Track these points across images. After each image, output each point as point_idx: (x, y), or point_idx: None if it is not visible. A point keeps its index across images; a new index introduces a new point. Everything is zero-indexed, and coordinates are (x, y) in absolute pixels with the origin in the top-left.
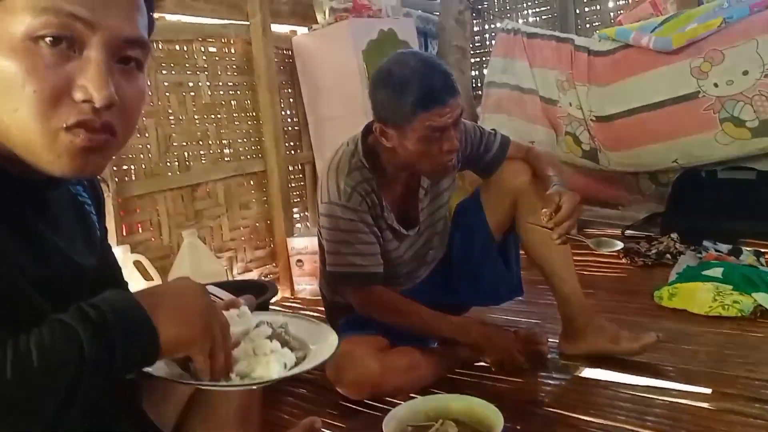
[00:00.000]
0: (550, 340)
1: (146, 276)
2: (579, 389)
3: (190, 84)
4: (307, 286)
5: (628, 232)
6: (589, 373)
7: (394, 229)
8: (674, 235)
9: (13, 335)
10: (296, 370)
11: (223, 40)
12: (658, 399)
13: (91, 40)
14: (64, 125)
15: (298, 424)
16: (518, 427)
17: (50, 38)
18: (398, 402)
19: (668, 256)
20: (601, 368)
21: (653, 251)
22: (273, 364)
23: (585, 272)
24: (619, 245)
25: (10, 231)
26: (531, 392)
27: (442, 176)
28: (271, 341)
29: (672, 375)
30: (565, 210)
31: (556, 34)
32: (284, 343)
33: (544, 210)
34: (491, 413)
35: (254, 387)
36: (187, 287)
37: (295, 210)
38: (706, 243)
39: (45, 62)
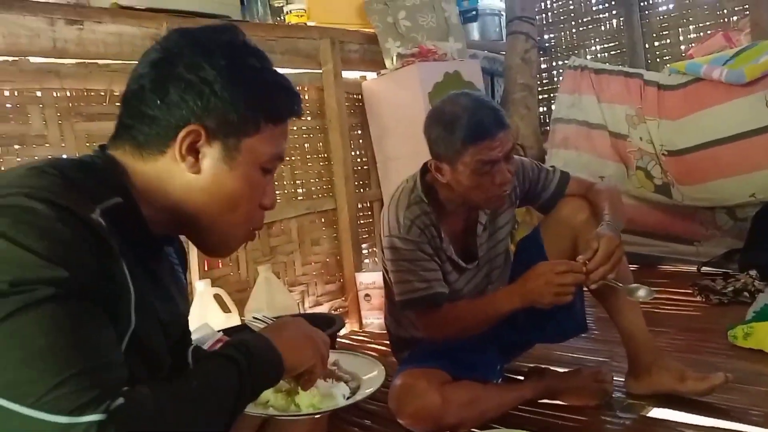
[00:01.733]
0: (616, 378)
1: (224, 308)
2: (643, 429)
3: None
4: (374, 320)
5: (705, 268)
6: (654, 413)
7: (454, 261)
8: (753, 272)
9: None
10: (354, 400)
11: (297, 88)
12: None
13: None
14: (252, 228)
15: None
16: None
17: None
18: None
19: (746, 293)
20: (667, 408)
21: (729, 288)
22: (335, 396)
23: (657, 310)
24: (652, 294)
25: (150, 276)
26: (594, 430)
27: (496, 207)
28: (324, 380)
29: (742, 417)
30: (600, 256)
31: (625, 69)
32: (338, 378)
33: (579, 257)
34: None
35: (318, 415)
36: (292, 320)
37: (363, 246)
38: None
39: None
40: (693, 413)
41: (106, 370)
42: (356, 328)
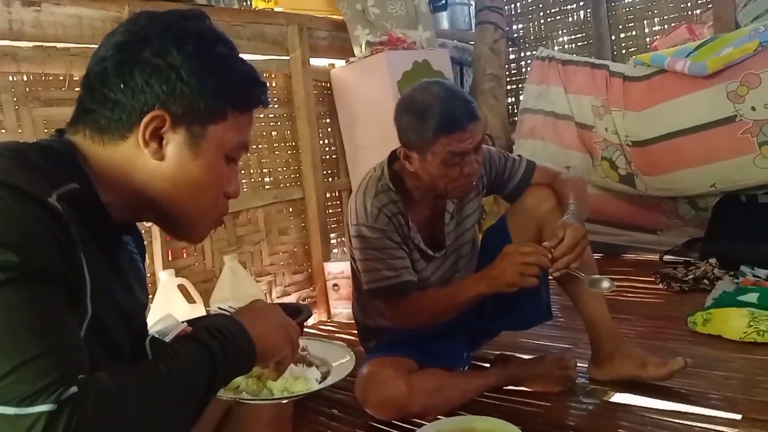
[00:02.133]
0: (579, 365)
1: (189, 299)
2: (606, 414)
3: None
4: (343, 309)
5: (667, 257)
6: (617, 398)
7: (422, 249)
8: (713, 261)
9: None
10: (326, 383)
11: (265, 75)
12: (685, 424)
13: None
14: (217, 215)
15: None
16: None
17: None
18: (425, 423)
19: (705, 281)
20: (629, 393)
21: (690, 276)
22: (309, 380)
23: (621, 298)
24: (612, 286)
25: (109, 265)
26: (558, 416)
27: (463, 197)
28: (295, 365)
29: (701, 401)
30: (564, 245)
31: (591, 60)
32: (308, 364)
33: (544, 243)
34: None
35: (286, 401)
36: (266, 308)
37: (332, 236)
38: (743, 268)
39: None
40: (654, 398)
41: (62, 355)
42: (324, 318)
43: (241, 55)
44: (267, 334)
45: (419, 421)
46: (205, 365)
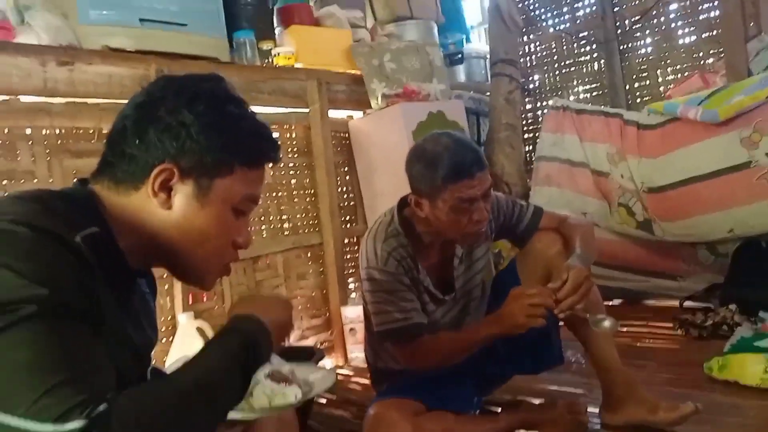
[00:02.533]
0: (591, 410)
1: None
2: None
3: None
4: (359, 354)
5: (687, 303)
6: None
7: (431, 293)
8: (732, 307)
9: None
10: (305, 398)
11: (285, 126)
12: None
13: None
14: (224, 263)
15: None
16: None
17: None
18: None
19: (725, 327)
20: None
21: (709, 323)
22: (287, 395)
23: (638, 344)
24: (617, 325)
25: (122, 304)
26: None
27: (473, 243)
28: (278, 384)
29: None
30: (568, 286)
31: (605, 109)
32: (290, 383)
33: (549, 285)
34: None
35: (267, 414)
36: (268, 297)
37: (349, 280)
38: (762, 314)
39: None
40: None
41: (90, 378)
42: (341, 362)
43: (253, 113)
44: (280, 324)
45: None
46: (231, 367)
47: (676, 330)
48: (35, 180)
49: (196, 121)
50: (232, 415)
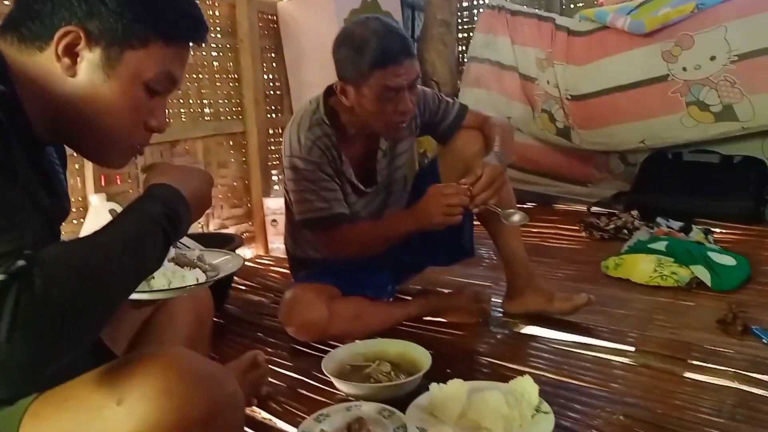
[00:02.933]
0: (495, 300)
1: None
2: (513, 343)
3: None
4: (280, 245)
5: (594, 208)
6: (526, 330)
7: (354, 184)
8: (634, 212)
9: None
10: (206, 282)
11: (207, 2)
12: (579, 352)
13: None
14: (134, 144)
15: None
16: (448, 371)
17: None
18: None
19: (625, 231)
20: (537, 326)
21: (611, 226)
22: (186, 278)
23: (545, 243)
24: (525, 218)
25: (34, 172)
26: (469, 344)
27: (396, 137)
28: (182, 267)
29: (601, 334)
30: (482, 182)
31: (539, 12)
32: (194, 266)
33: (462, 180)
34: (422, 355)
35: (167, 295)
36: (188, 168)
37: (273, 172)
38: (659, 219)
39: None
40: (559, 330)
41: (13, 231)
42: (262, 252)
43: None
44: (199, 195)
45: (337, 344)
46: (154, 231)
47: (581, 232)
48: None
49: None
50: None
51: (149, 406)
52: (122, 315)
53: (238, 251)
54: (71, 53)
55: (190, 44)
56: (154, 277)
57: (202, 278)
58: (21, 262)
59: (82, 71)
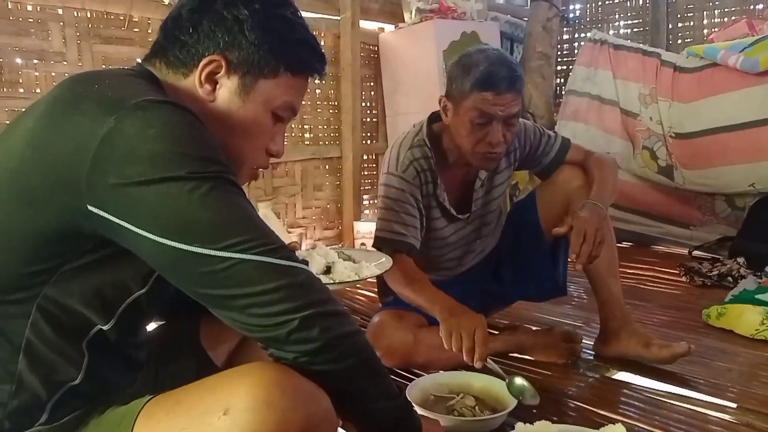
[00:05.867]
0: (586, 341)
1: None
2: (603, 387)
3: None
4: None
5: (696, 252)
6: (618, 375)
7: (445, 208)
8: (741, 260)
9: None
10: (379, 271)
11: (314, 33)
12: (674, 404)
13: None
14: (255, 167)
15: None
16: (534, 411)
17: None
18: (426, 374)
19: (729, 278)
20: (630, 372)
21: (714, 273)
22: (370, 268)
23: (642, 286)
24: (536, 400)
25: None
26: (557, 384)
27: (481, 165)
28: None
29: (699, 387)
30: (582, 245)
31: (643, 47)
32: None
33: (554, 230)
34: (507, 393)
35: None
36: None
37: (365, 197)
38: None
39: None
40: (654, 379)
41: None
42: None
43: (305, 23)
44: None
45: (421, 372)
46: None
47: (681, 276)
48: (65, 62)
49: (250, 17)
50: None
51: (253, 416)
52: (224, 327)
53: None
54: (212, 80)
55: (309, 78)
56: (333, 273)
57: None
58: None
59: (220, 96)
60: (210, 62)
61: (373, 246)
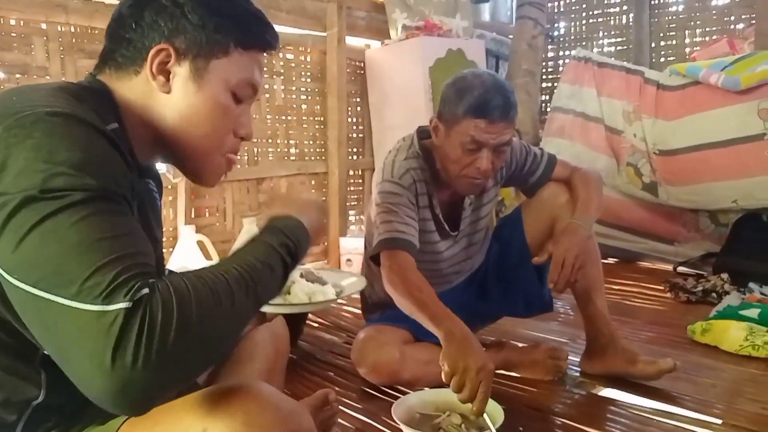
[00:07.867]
0: (572, 358)
1: (207, 256)
2: (590, 404)
3: (266, 86)
4: None
5: (681, 268)
6: (604, 392)
7: (440, 222)
8: (725, 276)
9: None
10: (342, 295)
11: (300, 49)
12: (660, 420)
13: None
14: (226, 152)
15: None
16: (521, 429)
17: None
18: (411, 392)
19: (714, 294)
20: (617, 389)
21: (699, 288)
22: (327, 293)
23: (627, 302)
24: None
25: (137, 200)
26: (543, 401)
27: (465, 191)
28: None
29: (685, 403)
30: (553, 270)
31: (627, 65)
32: (323, 283)
33: (534, 259)
34: (494, 410)
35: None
36: (305, 199)
37: (351, 212)
38: (752, 285)
39: (235, 112)
40: (640, 396)
41: (133, 260)
42: None
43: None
44: (314, 222)
45: (406, 390)
46: (274, 262)
47: (666, 292)
48: (47, 77)
49: (189, 1)
50: (271, 309)
51: None
52: None
53: None
54: (164, 71)
55: (265, 54)
56: (290, 292)
57: (334, 295)
58: (145, 291)
59: (175, 86)
60: (158, 52)
61: (373, 252)
